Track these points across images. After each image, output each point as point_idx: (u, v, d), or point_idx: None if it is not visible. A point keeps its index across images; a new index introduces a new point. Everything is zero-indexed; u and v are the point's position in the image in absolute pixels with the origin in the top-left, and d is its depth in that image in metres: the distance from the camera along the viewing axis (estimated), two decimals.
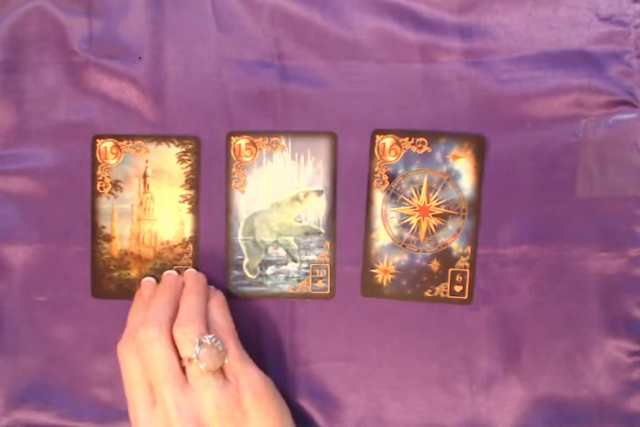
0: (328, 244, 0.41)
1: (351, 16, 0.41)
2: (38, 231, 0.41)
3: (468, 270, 0.40)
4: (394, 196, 0.41)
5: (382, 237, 0.41)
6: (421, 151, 0.41)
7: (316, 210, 0.41)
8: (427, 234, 0.41)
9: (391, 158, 0.41)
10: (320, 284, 0.41)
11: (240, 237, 0.41)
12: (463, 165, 0.40)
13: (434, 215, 0.41)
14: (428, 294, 0.41)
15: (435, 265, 0.41)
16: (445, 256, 0.41)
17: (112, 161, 0.41)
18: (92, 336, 0.41)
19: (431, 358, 0.41)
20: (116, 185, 0.41)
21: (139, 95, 0.41)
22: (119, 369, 0.36)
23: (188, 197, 0.41)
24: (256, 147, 0.41)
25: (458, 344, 0.41)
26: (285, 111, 0.41)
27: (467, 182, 0.40)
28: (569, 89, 0.40)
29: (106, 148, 0.41)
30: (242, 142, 0.41)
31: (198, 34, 0.41)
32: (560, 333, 0.40)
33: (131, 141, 0.41)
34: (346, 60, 0.41)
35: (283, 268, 0.41)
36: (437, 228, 0.41)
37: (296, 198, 0.41)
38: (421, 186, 0.41)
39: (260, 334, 0.41)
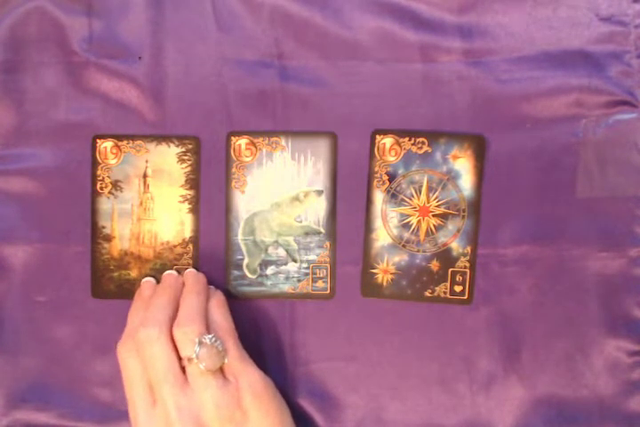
0: (328, 244, 0.41)
1: (351, 16, 0.41)
2: (38, 231, 0.41)
3: (467, 270, 0.40)
4: (394, 196, 0.41)
5: (382, 237, 0.41)
6: (421, 151, 0.41)
7: (316, 210, 0.41)
8: (427, 234, 0.41)
9: (391, 158, 0.41)
10: (320, 284, 0.41)
11: (240, 237, 0.41)
12: (463, 165, 0.40)
13: (434, 215, 0.41)
14: (427, 294, 0.41)
15: (435, 265, 0.41)
16: (445, 256, 0.41)
17: (112, 161, 0.41)
18: (92, 336, 0.41)
19: (431, 358, 0.41)
20: (115, 185, 0.41)
21: (139, 95, 0.41)
22: (119, 369, 0.36)
23: (188, 197, 0.41)
24: (256, 147, 0.41)
25: (458, 344, 0.41)
26: (285, 111, 0.41)
27: (467, 182, 0.40)
28: (569, 89, 0.40)
29: (106, 148, 0.41)
30: (242, 142, 0.41)
31: (198, 34, 0.41)
32: (560, 333, 0.40)
33: (131, 141, 0.41)
34: (346, 60, 0.41)
35: (283, 268, 0.41)
36: (437, 228, 0.41)
37: (296, 198, 0.41)
38: (421, 186, 0.41)
39: (260, 334, 0.41)
